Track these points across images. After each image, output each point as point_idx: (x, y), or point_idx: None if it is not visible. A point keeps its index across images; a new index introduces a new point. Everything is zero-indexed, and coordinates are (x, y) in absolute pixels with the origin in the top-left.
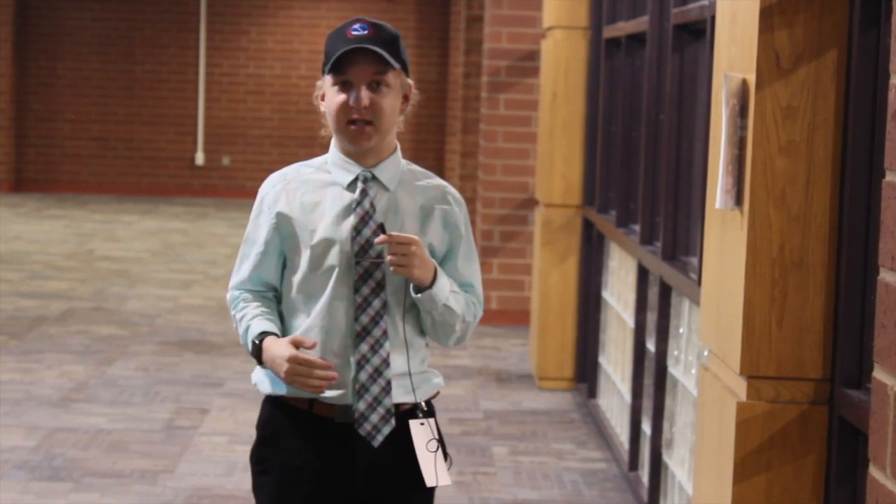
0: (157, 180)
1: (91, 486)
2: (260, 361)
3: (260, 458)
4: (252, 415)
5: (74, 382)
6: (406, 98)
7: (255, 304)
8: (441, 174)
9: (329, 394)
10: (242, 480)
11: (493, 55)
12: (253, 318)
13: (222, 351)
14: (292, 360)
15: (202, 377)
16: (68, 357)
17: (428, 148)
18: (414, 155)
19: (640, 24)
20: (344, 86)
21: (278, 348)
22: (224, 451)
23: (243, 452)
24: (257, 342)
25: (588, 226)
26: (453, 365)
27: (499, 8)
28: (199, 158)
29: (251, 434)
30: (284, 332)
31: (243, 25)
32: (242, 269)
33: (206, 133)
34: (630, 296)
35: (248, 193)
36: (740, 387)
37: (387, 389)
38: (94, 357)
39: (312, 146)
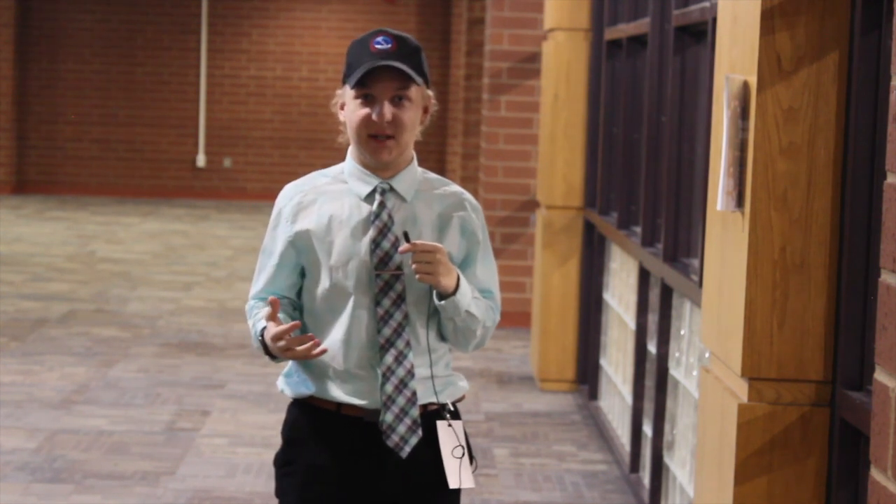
0: (159, 182)
1: (92, 488)
2: (272, 356)
3: (285, 461)
4: (253, 417)
5: (76, 384)
6: (426, 110)
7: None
8: (442, 176)
9: (356, 402)
10: (244, 483)
11: (494, 57)
12: (261, 320)
13: (223, 353)
14: (274, 338)
15: (203, 379)
16: (69, 359)
17: (429, 150)
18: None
19: (641, 25)
20: (366, 99)
21: (268, 333)
22: (225, 453)
23: (244, 454)
24: (261, 337)
25: (589, 228)
26: (454, 367)
27: (500, 10)
28: (201, 160)
29: (253, 436)
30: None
31: (244, 27)
32: (259, 281)
33: (207, 135)
34: (631, 297)
35: (249, 195)
36: (741, 388)
37: (413, 400)
38: (96, 359)
39: (314, 148)
